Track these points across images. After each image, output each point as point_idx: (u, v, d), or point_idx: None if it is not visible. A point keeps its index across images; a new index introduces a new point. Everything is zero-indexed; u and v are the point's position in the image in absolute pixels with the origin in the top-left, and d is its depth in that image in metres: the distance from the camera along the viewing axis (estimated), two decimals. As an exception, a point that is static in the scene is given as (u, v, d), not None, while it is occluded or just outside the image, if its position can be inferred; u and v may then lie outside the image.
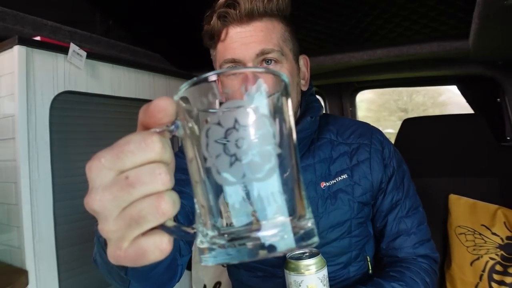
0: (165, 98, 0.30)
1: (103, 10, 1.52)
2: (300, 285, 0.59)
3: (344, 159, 0.83)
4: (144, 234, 0.29)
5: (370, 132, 0.87)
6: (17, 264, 0.98)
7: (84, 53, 1.10)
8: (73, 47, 1.07)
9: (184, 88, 0.31)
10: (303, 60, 0.85)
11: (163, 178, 0.28)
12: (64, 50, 1.06)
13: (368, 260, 0.88)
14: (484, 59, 1.45)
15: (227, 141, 0.29)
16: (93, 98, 1.20)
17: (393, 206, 0.83)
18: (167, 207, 0.28)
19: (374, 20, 1.29)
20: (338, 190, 0.81)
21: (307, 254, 0.63)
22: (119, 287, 0.54)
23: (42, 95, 1.02)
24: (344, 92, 2.09)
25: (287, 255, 0.62)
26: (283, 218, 0.29)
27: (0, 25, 1.10)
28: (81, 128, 1.17)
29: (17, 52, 0.97)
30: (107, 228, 0.29)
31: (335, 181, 0.81)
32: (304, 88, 0.85)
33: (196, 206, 0.32)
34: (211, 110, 0.30)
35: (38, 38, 1.04)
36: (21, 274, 0.94)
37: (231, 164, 0.29)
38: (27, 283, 0.95)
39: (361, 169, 0.82)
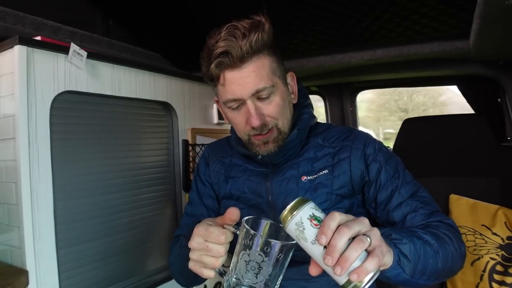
0: (235, 212, 0.69)
1: (104, 10, 1.52)
2: (302, 223, 0.58)
3: (327, 158, 0.92)
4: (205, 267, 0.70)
5: (354, 135, 0.94)
6: (17, 264, 0.98)
7: (84, 53, 1.10)
8: (73, 47, 1.07)
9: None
10: (290, 77, 0.94)
11: (220, 253, 0.68)
12: (65, 50, 1.06)
13: None
14: (484, 59, 1.45)
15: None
16: (94, 98, 1.20)
17: (392, 194, 0.87)
18: (217, 264, 0.68)
19: (374, 20, 1.29)
20: (318, 184, 0.89)
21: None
22: (186, 281, 0.98)
23: (43, 95, 1.02)
24: (344, 92, 2.09)
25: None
26: None
27: (0, 25, 1.10)
28: (82, 128, 1.17)
29: (17, 52, 0.96)
30: (191, 255, 0.70)
31: (316, 175, 0.90)
32: (294, 101, 0.95)
33: (232, 265, 0.66)
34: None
35: (38, 38, 1.04)
36: (21, 274, 0.94)
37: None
38: (27, 283, 0.95)
39: (341, 166, 0.90)
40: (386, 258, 0.60)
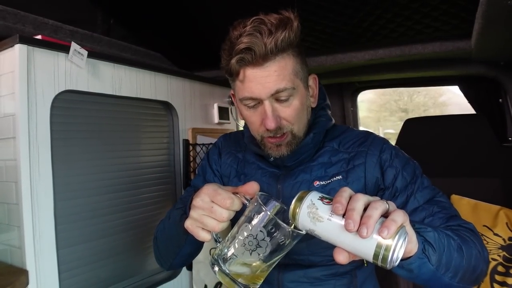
0: (255, 186, 0.67)
1: (104, 9, 1.51)
2: (314, 204, 0.56)
3: (341, 164, 0.88)
4: (203, 229, 0.67)
5: (370, 141, 0.90)
6: (17, 264, 0.98)
7: (85, 52, 1.09)
8: (74, 46, 1.06)
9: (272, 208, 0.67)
10: (312, 80, 0.90)
11: (223, 217, 0.64)
12: (65, 49, 1.06)
13: None
14: (486, 60, 1.44)
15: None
16: (94, 97, 1.19)
17: (407, 200, 0.83)
18: (218, 228, 0.65)
19: (376, 19, 1.29)
20: (331, 190, 0.86)
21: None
22: (168, 253, 0.90)
23: (43, 94, 1.02)
24: (345, 92, 2.08)
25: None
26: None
27: (1, 24, 1.09)
28: (82, 127, 1.17)
29: (18, 51, 0.96)
30: (192, 213, 0.67)
31: (329, 181, 0.87)
32: (314, 105, 0.92)
33: (230, 235, 0.65)
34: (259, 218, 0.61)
35: (39, 37, 1.04)
36: (21, 274, 0.94)
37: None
38: (27, 283, 0.95)
39: (356, 172, 0.86)
40: (411, 244, 0.57)
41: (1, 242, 1.03)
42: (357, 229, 0.51)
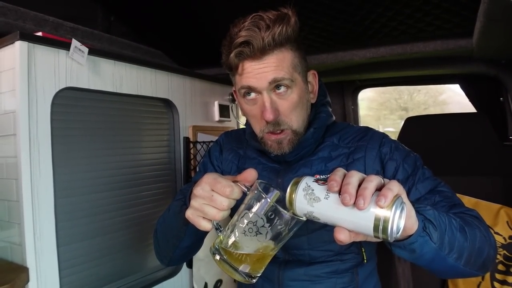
0: (254, 173, 0.67)
1: (105, 6, 1.51)
2: (309, 186, 0.56)
3: (341, 159, 0.89)
4: (204, 218, 0.66)
5: (370, 135, 0.91)
6: (17, 261, 0.98)
7: (86, 49, 1.09)
8: (75, 43, 1.06)
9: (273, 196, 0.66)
10: (312, 75, 0.92)
11: (223, 206, 0.64)
12: (66, 46, 1.05)
13: (363, 251, 0.90)
14: (487, 58, 1.44)
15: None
16: (95, 94, 1.19)
17: (408, 191, 0.82)
18: (218, 216, 0.65)
19: (377, 17, 1.28)
20: None
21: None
22: (167, 246, 0.89)
23: (44, 91, 1.01)
24: (346, 90, 2.08)
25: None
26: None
27: (1, 21, 1.09)
28: (83, 124, 1.17)
29: (18, 47, 0.96)
30: (193, 203, 0.67)
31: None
32: (313, 101, 0.93)
33: (230, 224, 0.65)
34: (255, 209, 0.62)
35: (39, 33, 1.04)
36: (21, 271, 0.94)
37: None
38: (27, 280, 0.95)
39: (356, 166, 0.87)
40: (410, 220, 0.57)
41: (1, 239, 1.03)
42: (354, 202, 0.51)
